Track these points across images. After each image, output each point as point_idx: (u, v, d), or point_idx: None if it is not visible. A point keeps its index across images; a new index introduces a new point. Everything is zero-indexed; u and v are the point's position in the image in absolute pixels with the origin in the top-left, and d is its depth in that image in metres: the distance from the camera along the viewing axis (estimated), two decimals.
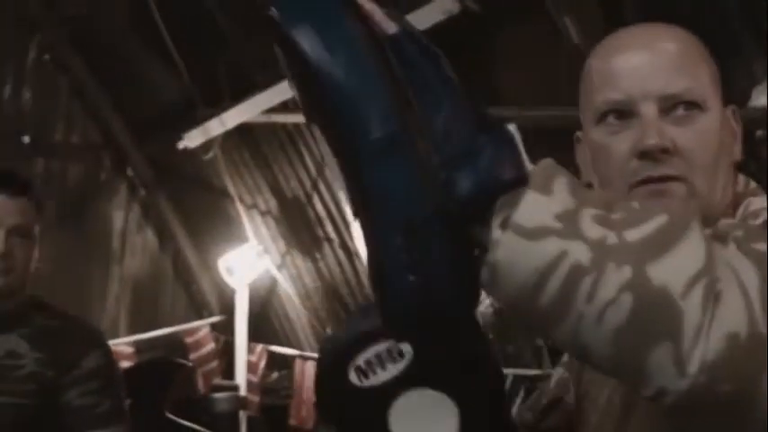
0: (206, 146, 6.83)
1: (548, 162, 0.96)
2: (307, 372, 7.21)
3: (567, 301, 0.89)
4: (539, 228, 0.89)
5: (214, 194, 7.71)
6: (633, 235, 0.91)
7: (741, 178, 1.29)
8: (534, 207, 0.90)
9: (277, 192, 7.37)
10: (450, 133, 0.91)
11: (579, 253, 0.89)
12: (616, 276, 0.88)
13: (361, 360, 1.13)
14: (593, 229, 0.90)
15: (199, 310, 8.34)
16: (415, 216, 0.88)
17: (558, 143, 5.59)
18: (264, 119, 6.54)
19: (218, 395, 6.85)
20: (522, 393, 5.58)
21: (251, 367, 7.35)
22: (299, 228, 7.38)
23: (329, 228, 7.16)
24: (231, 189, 7.52)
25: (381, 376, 1.14)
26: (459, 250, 0.91)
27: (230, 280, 7.23)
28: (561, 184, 0.93)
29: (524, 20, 5.18)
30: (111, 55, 6.89)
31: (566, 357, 1.49)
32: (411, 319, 0.94)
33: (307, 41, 0.89)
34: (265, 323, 7.90)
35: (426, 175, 0.89)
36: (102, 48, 6.89)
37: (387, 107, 0.88)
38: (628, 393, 1.26)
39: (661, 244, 0.91)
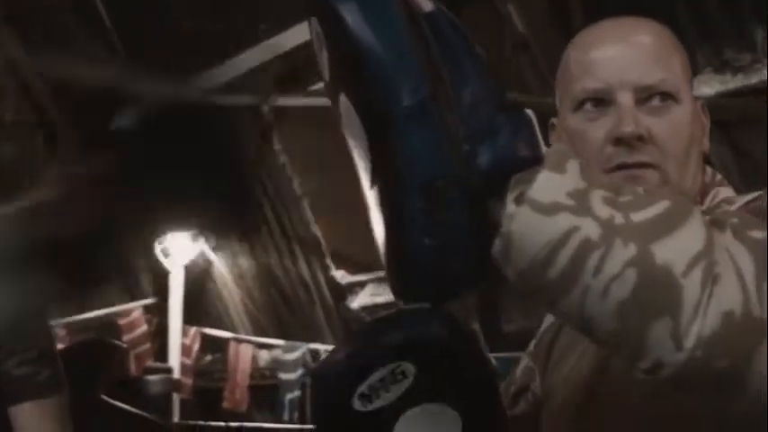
0: None
1: (561, 145, 1.01)
2: (241, 354, 7.20)
3: (575, 274, 0.92)
4: (552, 203, 0.93)
5: None
6: (639, 216, 0.95)
7: (708, 169, 1.34)
8: (549, 184, 0.93)
9: None
10: (475, 109, 0.95)
11: (589, 229, 0.92)
12: (622, 253, 0.92)
13: (364, 387, 1.14)
14: (602, 209, 0.93)
15: (132, 292, 8.27)
16: (438, 180, 0.92)
17: None
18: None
19: (151, 377, 6.79)
20: None
21: (184, 350, 7.31)
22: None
23: (267, 210, 7.13)
24: None
25: (385, 399, 1.15)
26: (476, 220, 0.95)
27: (166, 262, 7.17)
28: (573, 164, 0.96)
29: (468, 6, 5.20)
30: (46, 31, 6.77)
31: (531, 347, 1.52)
32: (425, 281, 0.97)
33: (349, 13, 0.94)
34: (199, 306, 7.85)
35: (452, 145, 0.93)
36: (37, 24, 6.77)
37: (420, 78, 0.92)
38: (592, 377, 1.28)
39: (665, 226, 0.95)
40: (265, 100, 6.44)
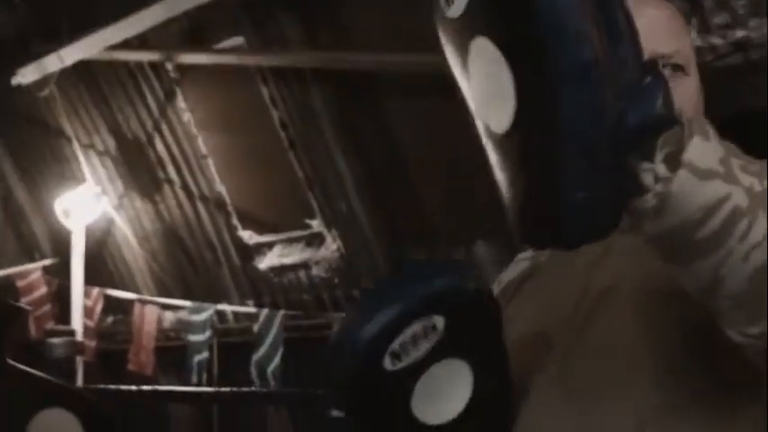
0: (41, 83, 6.55)
1: (700, 115, 1.08)
2: (146, 316, 7.08)
3: (723, 237, 0.99)
4: (709, 170, 0.99)
5: (49, 133, 7.43)
6: None
7: None
8: (702, 150, 1.00)
9: (116, 131, 7.16)
10: (625, 66, 0.97)
11: (739, 197, 1.00)
12: (765, 223, 1.00)
13: (396, 344, 1.12)
14: (743, 177, 1.01)
15: (30, 253, 8.07)
16: (596, 139, 0.95)
17: (415, 90, 5.53)
18: (106, 56, 6.30)
19: (53, 340, 6.65)
20: None
21: (87, 312, 7.16)
22: (139, 169, 7.20)
23: (170, 169, 7.00)
24: (67, 128, 7.25)
25: (413, 356, 1.14)
26: (622, 176, 0.99)
27: (67, 222, 7.00)
28: (712, 131, 1.03)
29: None
30: None
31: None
32: (569, 231, 0.99)
33: None
34: (100, 266, 7.70)
35: (610, 103, 0.95)
36: None
37: (589, 35, 0.93)
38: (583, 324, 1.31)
39: None
40: (170, 57, 6.30)
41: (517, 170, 1.01)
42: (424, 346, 1.14)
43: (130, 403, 6.72)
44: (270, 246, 6.70)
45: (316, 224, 6.30)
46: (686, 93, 1.30)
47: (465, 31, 1.02)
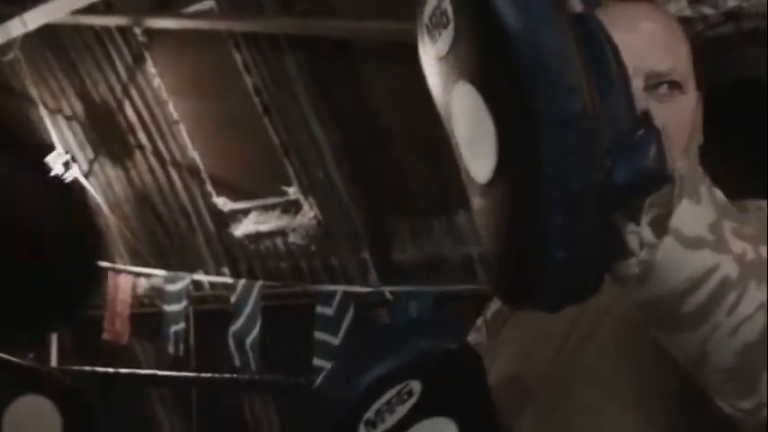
0: (5, 47, 6.38)
1: (695, 168, 1.00)
2: (120, 285, 6.97)
3: (709, 311, 0.94)
4: (697, 238, 0.94)
5: (14, 98, 7.26)
6: (764, 252, 0.98)
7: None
8: (691, 215, 0.94)
9: (84, 96, 7.00)
10: (615, 118, 0.91)
11: (729, 267, 0.94)
12: (756, 294, 0.94)
13: (371, 412, 1.10)
14: (735, 243, 0.95)
15: None
16: (581, 195, 0.88)
17: (392, 56, 5.41)
18: (71, 20, 6.12)
19: None
20: (351, 311, 5.54)
21: None
22: (109, 135, 7.05)
23: (141, 135, 6.85)
24: (34, 93, 7.09)
25: (390, 421, 1.12)
26: (607, 235, 0.92)
27: None
28: (704, 191, 0.97)
29: None
30: None
31: (479, 322, 1.51)
32: (553, 292, 0.93)
33: (508, 12, 0.87)
34: None
35: (597, 158, 0.89)
36: None
37: (578, 86, 0.86)
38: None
39: None
40: (138, 22, 6.12)
41: (497, 223, 0.96)
42: (401, 411, 1.13)
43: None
44: (245, 213, 6.59)
45: (292, 191, 6.18)
46: (682, 112, 1.26)
47: (449, 73, 0.96)
